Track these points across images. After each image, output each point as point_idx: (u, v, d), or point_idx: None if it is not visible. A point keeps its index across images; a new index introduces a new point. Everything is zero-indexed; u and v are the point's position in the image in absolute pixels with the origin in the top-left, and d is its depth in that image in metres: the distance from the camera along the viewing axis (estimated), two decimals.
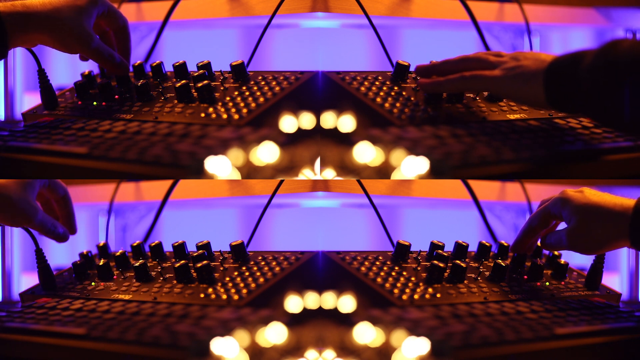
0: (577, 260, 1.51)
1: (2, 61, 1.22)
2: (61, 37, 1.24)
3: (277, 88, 1.29)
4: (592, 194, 1.23)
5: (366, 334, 1.15)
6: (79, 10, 1.25)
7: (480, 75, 1.21)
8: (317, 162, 1.20)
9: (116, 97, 1.32)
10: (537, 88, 1.16)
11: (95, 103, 1.31)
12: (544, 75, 1.15)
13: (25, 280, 1.51)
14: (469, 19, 1.52)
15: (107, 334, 1.14)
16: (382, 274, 1.30)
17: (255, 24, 1.50)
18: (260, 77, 1.32)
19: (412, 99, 1.29)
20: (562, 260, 1.37)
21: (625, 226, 1.18)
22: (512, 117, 1.28)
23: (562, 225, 1.29)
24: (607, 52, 1.10)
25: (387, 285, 1.27)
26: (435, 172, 1.14)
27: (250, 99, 1.27)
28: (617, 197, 1.22)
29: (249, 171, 1.16)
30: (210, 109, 1.26)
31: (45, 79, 1.32)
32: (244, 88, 1.30)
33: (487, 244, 1.38)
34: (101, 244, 1.42)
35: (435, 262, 1.30)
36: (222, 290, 1.26)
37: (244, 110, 1.25)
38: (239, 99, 1.28)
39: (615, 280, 1.54)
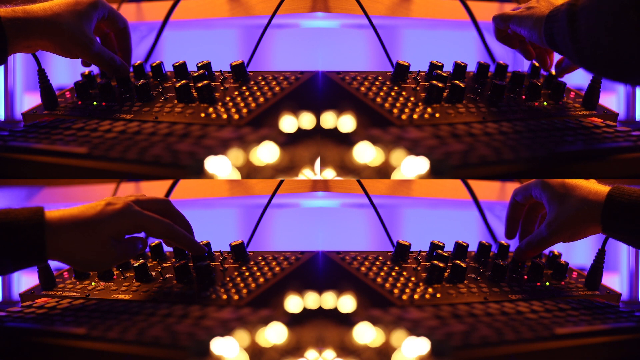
0: (577, 260, 1.51)
1: None
2: (62, 43, 1.24)
3: (277, 88, 1.29)
4: (570, 182, 1.27)
5: (366, 334, 1.15)
6: (79, 15, 1.24)
7: (506, 14, 1.32)
8: (317, 162, 1.20)
9: (116, 97, 1.32)
10: (540, 32, 1.23)
11: (95, 103, 1.31)
12: (545, 19, 1.22)
13: (25, 280, 1.51)
14: (469, 19, 1.52)
15: (107, 333, 1.14)
16: (382, 274, 1.30)
17: (255, 24, 1.51)
18: (260, 77, 1.32)
19: (412, 99, 1.29)
20: (562, 261, 1.37)
21: (597, 212, 1.23)
22: (512, 117, 1.28)
23: None
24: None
25: (387, 285, 1.27)
26: (435, 172, 1.14)
27: (250, 99, 1.27)
28: (593, 184, 1.26)
29: (249, 171, 1.16)
30: (210, 109, 1.26)
31: (45, 79, 1.32)
32: (244, 88, 1.30)
33: (487, 244, 1.38)
34: None
35: (435, 262, 1.30)
36: (222, 290, 1.26)
37: (244, 110, 1.25)
38: (239, 99, 1.28)
39: (615, 280, 1.54)
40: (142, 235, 1.25)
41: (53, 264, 1.36)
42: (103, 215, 1.17)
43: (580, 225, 1.27)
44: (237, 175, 1.15)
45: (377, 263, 1.33)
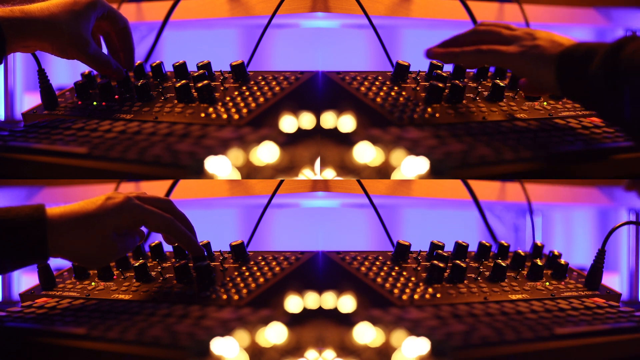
0: (577, 260, 1.51)
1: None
2: (59, 44, 1.24)
3: (277, 88, 1.29)
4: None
5: (366, 334, 1.15)
6: (77, 15, 1.24)
7: (497, 50, 1.19)
8: (317, 162, 1.20)
9: (116, 97, 1.32)
10: (551, 74, 1.16)
11: (95, 103, 1.31)
12: (557, 63, 1.15)
13: (25, 280, 1.52)
14: (469, 19, 1.52)
15: (107, 333, 1.14)
16: (382, 274, 1.30)
17: (255, 24, 1.51)
18: (260, 77, 1.32)
19: (412, 99, 1.29)
20: (562, 261, 1.37)
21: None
22: (511, 116, 1.28)
23: None
24: (612, 54, 1.10)
25: (387, 285, 1.27)
26: (435, 172, 1.14)
27: (250, 99, 1.27)
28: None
29: (249, 171, 1.16)
30: (210, 109, 1.26)
31: (45, 79, 1.32)
32: (244, 88, 1.30)
33: (487, 244, 1.38)
34: None
35: (435, 262, 1.30)
36: (222, 290, 1.26)
37: (244, 110, 1.25)
38: (239, 99, 1.28)
39: (615, 280, 1.54)
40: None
41: (53, 263, 1.37)
42: (104, 209, 1.17)
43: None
44: (237, 175, 1.15)
45: (377, 263, 1.33)
